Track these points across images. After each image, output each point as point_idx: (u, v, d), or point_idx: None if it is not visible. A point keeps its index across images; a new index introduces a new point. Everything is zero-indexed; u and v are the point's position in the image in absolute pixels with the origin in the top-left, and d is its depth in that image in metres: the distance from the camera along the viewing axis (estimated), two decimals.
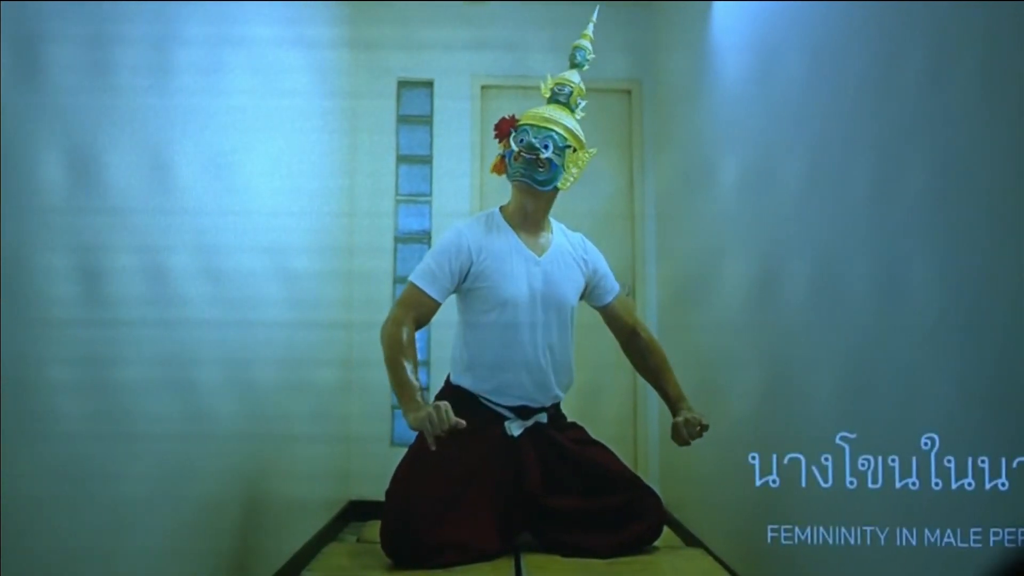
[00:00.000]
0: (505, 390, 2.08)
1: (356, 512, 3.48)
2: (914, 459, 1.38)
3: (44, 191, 1.23)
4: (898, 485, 1.41)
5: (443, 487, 1.94)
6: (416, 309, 2.01)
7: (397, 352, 1.91)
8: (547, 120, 2.11)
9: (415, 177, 3.96)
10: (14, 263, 1.13)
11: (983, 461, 1.29)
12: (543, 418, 2.13)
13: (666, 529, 2.17)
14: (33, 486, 1.18)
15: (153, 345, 1.61)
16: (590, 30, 2.30)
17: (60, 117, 1.28)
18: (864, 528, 1.45)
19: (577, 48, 2.27)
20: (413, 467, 1.99)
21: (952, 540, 1.34)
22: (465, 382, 2.12)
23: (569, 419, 2.26)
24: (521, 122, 2.13)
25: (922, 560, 1.38)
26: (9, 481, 1.09)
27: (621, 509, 2.04)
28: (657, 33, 3.88)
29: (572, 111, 2.19)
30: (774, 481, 1.53)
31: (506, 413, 2.09)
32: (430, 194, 3.93)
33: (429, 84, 3.98)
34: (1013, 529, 1.23)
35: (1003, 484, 1.27)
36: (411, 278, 2.06)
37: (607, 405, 3.73)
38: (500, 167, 2.18)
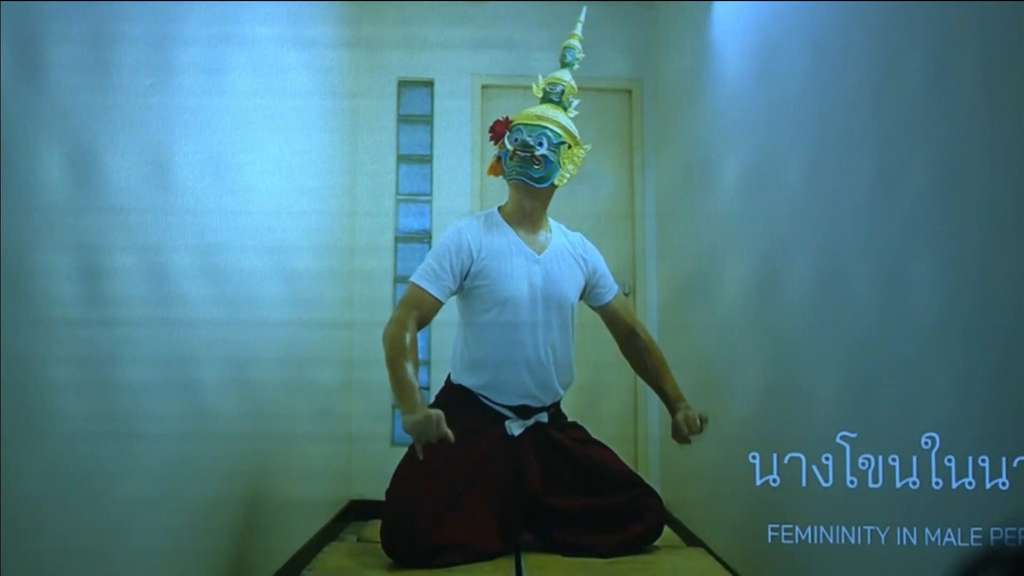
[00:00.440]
0: (506, 389, 2.08)
1: (357, 512, 3.48)
2: (915, 458, 1.38)
3: (45, 190, 1.23)
4: (899, 484, 1.41)
5: (443, 487, 1.94)
6: (418, 308, 2.01)
7: (398, 353, 1.91)
8: (540, 118, 2.13)
9: (415, 176, 3.96)
10: (15, 262, 1.13)
11: (983, 460, 1.29)
12: (543, 417, 2.13)
13: (666, 528, 2.17)
14: (34, 486, 1.18)
15: (154, 344, 1.61)
16: (579, 30, 2.32)
17: (61, 116, 1.28)
18: (865, 527, 1.45)
19: (567, 48, 2.29)
20: (413, 467, 1.99)
21: (953, 540, 1.34)
22: (466, 381, 2.12)
23: (570, 418, 2.27)
24: (515, 122, 2.15)
25: (922, 559, 1.38)
26: (10, 480, 1.09)
27: (622, 508, 2.05)
28: (658, 33, 3.88)
29: (565, 109, 2.21)
30: (775, 480, 1.53)
31: (506, 413, 2.09)
32: (430, 193, 3.93)
33: (430, 84, 3.98)
34: (1014, 528, 1.23)
35: (1004, 483, 1.27)
36: (412, 278, 2.06)
37: (607, 404, 3.73)
38: (497, 168, 2.20)
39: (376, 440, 3.69)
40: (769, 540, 1.53)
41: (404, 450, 2.10)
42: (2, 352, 1.08)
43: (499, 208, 2.22)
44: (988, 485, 1.28)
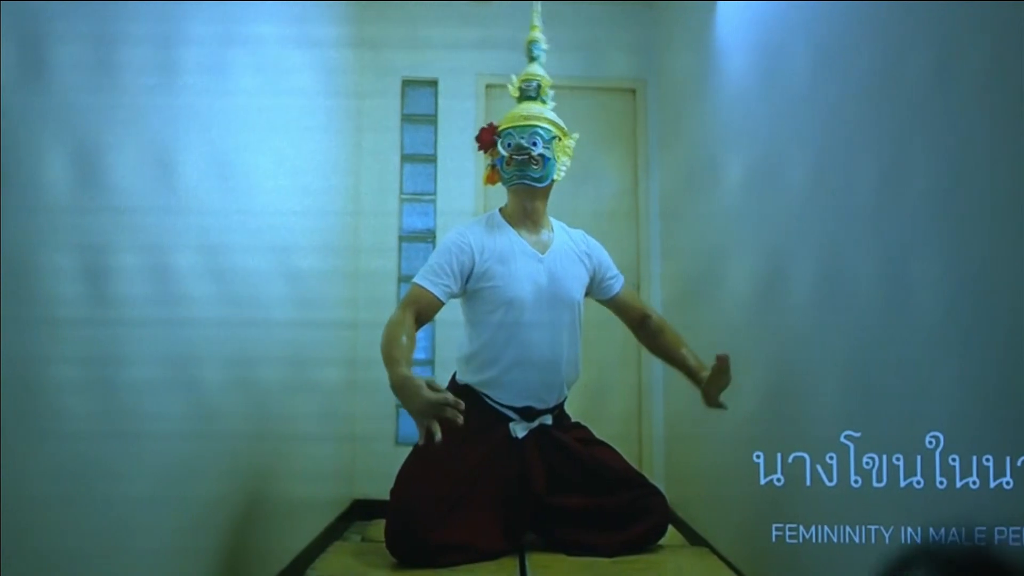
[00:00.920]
0: (512, 389, 2.07)
1: (360, 511, 3.49)
2: (919, 458, 1.38)
3: (48, 190, 1.24)
4: (903, 484, 1.40)
5: (447, 487, 1.94)
6: (416, 305, 2.00)
7: (391, 347, 1.87)
8: (527, 118, 2.13)
9: (419, 176, 3.96)
10: (19, 262, 1.14)
11: (987, 460, 1.28)
12: (547, 420, 2.13)
13: (670, 528, 2.17)
14: (37, 485, 1.19)
15: (158, 344, 1.61)
16: (537, 21, 2.32)
17: (65, 116, 1.28)
18: (869, 527, 1.45)
19: (532, 43, 2.30)
20: (417, 466, 1.99)
21: (956, 539, 1.33)
22: (471, 381, 2.12)
23: (574, 418, 2.26)
24: (502, 127, 2.15)
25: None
26: (13, 480, 1.10)
27: (625, 508, 2.04)
28: (662, 32, 3.88)
29: (544, 103, 2.21)
30: (778, 480, 1.52)
31: (511, 415, 2.09)
32: (434, 193, 3.93)
33: (433, 83, 3.98)
34: (1018, 528, 1.23)
35: (1008, 483, 1.26)
36: (414, 278, 2.06)
37: (612, 404, 3.73)
38: (493, 177, 2.20)
39: (380, 440, 3.70)
40: (773, 539, 1.53)
41: (408, 450, 2.10)
42: (7, 351, 1.09)
43: (500, 210, 2.22)
44: (992, 484, 1.28)
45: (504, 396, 2.08)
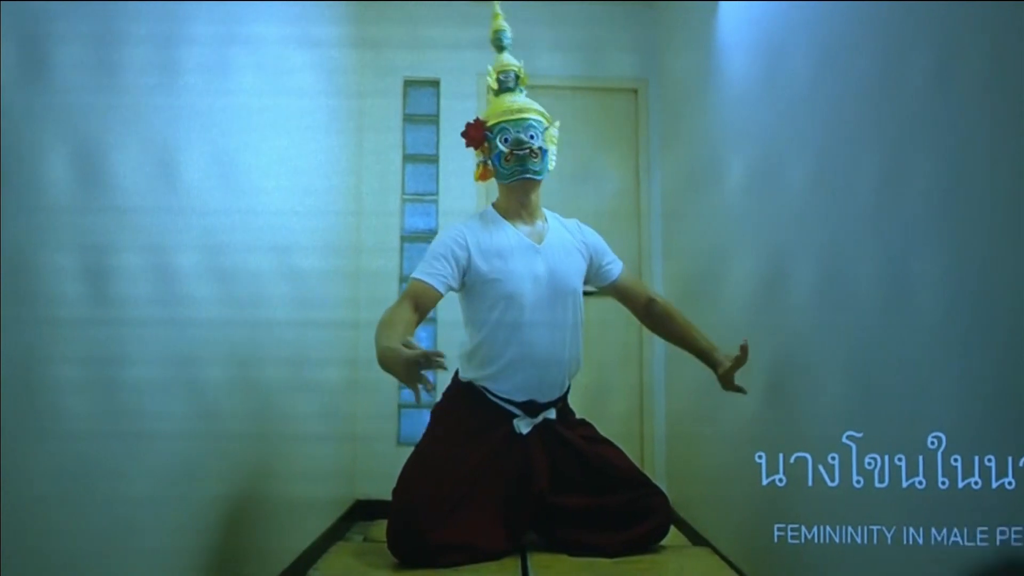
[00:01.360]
0: (513, 383, 2.07)
1: (362, 511, 3.49)
2: (921, 458, 1.38)
3: (50, 190, 1.24)
4: (905, 484, 1.40)
5: (450, 486, 1.94)
6: (413, 299, 1.99)
7: (381, 330, 1.84)
8: (519, 111, 2.14)
9: (421, 176, 3.96)
10: (20, 262, 1.14)
11: (990, 460, 1.28)
12: (551, 414, 2.12)
13: (672, 528, 2.17)
14: (38, 485, 1.19)
15: (159, 344, 1.61)
16: (499, 9, 2.32)
17: (66, 116, 1.28)
18: (871, 527, 1.45)
19: (498, 32, 2.30)
20: (419, 467, 1.99)
21: (959, 539, 1.33)
22: (473, 376, 2.12)
23: (577, 416, 2.26)
24: (494, 122, 2.14)
25: (928, 559, 1.38)
26: (14, 479, 1.10)
27: (627, 508, 2.04)
28: (663, 32, 3.88)
29: (522, 93, 2.22)
30: (780, 480, 1.52)
31: (514, 410, 2.08)
32: (436, 193, 3.93)
33: (435, 83, 3.98)
34: (1020, 528, 1.22)
35: (1010, 483, 1.26)
36: (412, 274, 2.06)
37: (613, 403, 3.72)
38: (486, 173, 2.20)
39: (382, 440, 3.69)
40: (775, 540, 1.53)
41: (410, 450, 2.10)
42: (8, 351, 1.09)
43: (493, 205, 2.22)
44: (994, 484, 1.28)
45: (506, 390, 2.08)
